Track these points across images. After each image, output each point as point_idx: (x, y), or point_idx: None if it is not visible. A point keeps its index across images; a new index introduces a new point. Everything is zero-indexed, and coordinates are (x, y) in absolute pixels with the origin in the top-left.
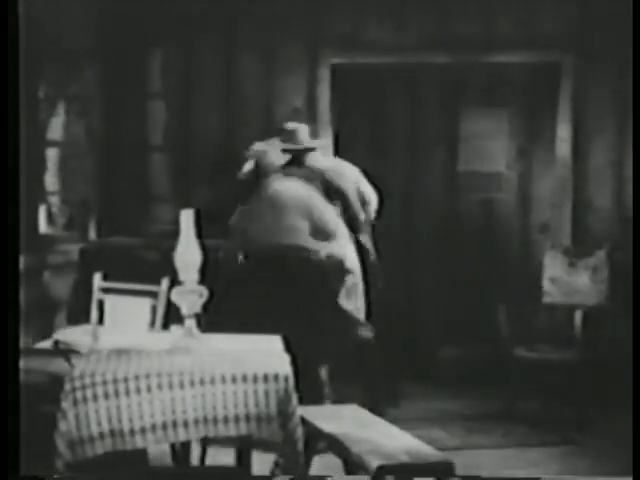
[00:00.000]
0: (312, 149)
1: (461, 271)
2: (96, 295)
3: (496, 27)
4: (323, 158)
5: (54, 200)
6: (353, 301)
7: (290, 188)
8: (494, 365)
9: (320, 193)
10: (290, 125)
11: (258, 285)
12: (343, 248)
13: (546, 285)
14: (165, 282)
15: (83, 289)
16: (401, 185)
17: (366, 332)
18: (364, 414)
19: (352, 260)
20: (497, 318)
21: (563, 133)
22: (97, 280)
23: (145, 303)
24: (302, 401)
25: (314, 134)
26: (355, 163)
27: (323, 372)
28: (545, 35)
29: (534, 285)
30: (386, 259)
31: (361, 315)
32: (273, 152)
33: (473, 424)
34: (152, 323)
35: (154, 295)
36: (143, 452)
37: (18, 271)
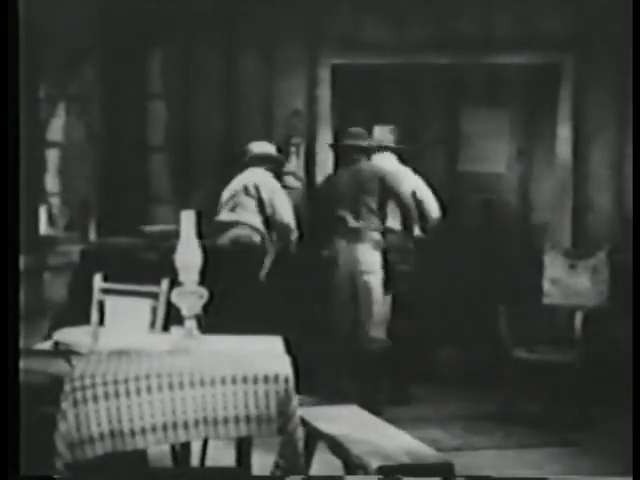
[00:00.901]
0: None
1: (461, 272)
2: (96, 296)
3: (496, 28)
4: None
5: (54, 201)
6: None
7: None
8: (494, 366)
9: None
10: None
11: None
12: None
13: (546, 286)
14: (165, 283)
15: (83, 290)
16: None
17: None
18: (364, 415)
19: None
20: (497, 319)
21: (563, 134)
22: (97, 281)
23: (145, 304)
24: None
25: (314, 135)
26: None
27: None
28: (545, 36)
29: (534, 286)
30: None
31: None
32: None
33: (473, 425)
34: (152, 324)
35: (154, 296)
36: (143, 453)
37: (18, 272)
